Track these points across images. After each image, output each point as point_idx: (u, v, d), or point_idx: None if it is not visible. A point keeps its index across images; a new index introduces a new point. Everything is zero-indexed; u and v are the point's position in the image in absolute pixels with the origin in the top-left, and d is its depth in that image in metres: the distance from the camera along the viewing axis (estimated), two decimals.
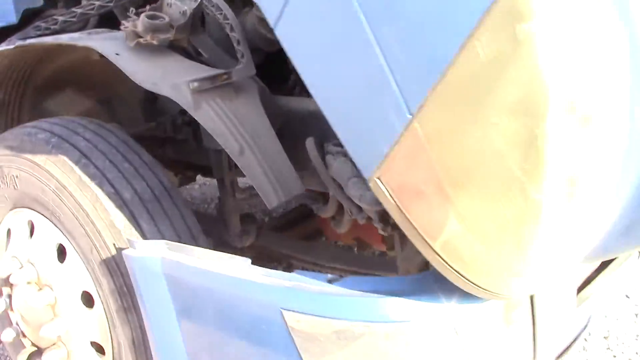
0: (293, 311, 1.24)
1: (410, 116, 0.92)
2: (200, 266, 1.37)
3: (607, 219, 1.16)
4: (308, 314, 1.23)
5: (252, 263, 2.06)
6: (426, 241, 1.03)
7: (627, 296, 2.44)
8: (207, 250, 1.41)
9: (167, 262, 1.41)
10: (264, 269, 1.31)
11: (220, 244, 2.25)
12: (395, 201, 1.01)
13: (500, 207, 0.93)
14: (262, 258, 2.33)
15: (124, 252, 1.46)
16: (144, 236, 1.54)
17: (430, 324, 1.18)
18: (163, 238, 1.55)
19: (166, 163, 2.74)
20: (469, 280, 1.06)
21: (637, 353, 2.13)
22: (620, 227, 1.22)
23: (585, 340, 2.20)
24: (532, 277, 1.07)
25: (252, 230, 2.20)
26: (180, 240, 1.58)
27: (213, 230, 2.34)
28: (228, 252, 2.22)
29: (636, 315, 2.33)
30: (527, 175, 0.89)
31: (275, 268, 2.22)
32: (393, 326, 1.19)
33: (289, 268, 2.47)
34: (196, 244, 1.61)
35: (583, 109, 0.88)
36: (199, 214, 2.59)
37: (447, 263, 1.04)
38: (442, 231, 1.00)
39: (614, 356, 2.12)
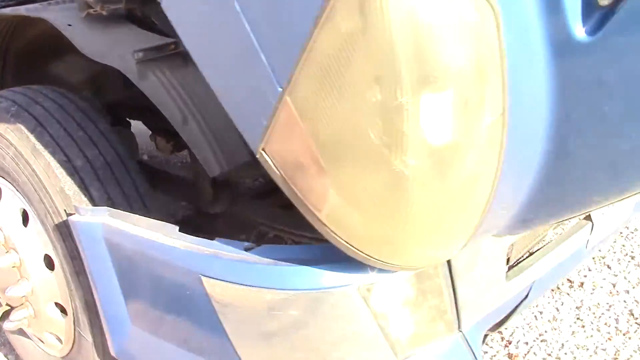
0: (211, 278, 1.28)
1: (281, 89, 0.94)
2: (134, 232, 1.42)
3: (510, 190, 1.16)
4: (224, 280, 1.27)
5: (227, 230, 2.11)
6: (312, 212, 1.05)
7: (608, 266, 2.41)
8: (143, 217, 1.45)
9: (107, 228, 1.46)
10: (190, 236, 1.34)
11: (197, 210, 2.31)
12: (280, 172, 1.03)
13: (370, 179, 0.95)
14: (239, 225, 2.38)
15: (69, 217, 1.52)
16: (94, 203, 1.59)
17: (337, 293, 1.21)
18: (113, 205, 1.61)
19: (156, 130, 2.80)
20: (358, 250, 1.08)
21: (606, 324, 2.11)
22: (535, 199, 1.21)
23: (557, 310, 2.19)
24: (419, 248, 1.09)
25: (225, 196, 2.24)
26: (130, 207, 1.64)
27: (191, 197, 2.40)
28: (204, 219, 2.27)
29: (614, 285, 2.30)
30: (389, 147, 0.90)
31: (250, 236, 2.27)
32: (301, 294, 1.21)
33: (264, 237, 2.51)
34: (148, 211, 1.66)
35: (441, 80, 0.88)
36: (179, 180, 2.64)
37: (334, 233, 1.06)
38: (325, 202, 1.02)
39: (583, 326, 2.11)
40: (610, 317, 2.14)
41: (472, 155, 0.98)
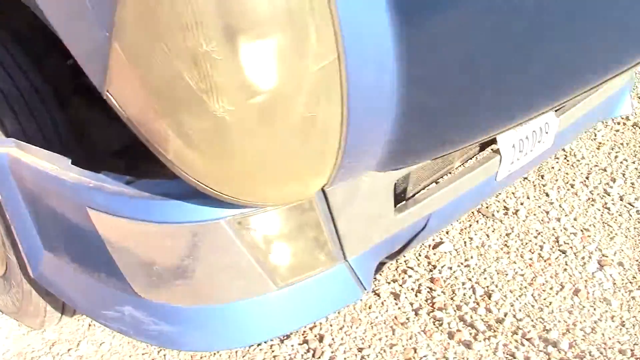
0: (96, 210, 1.34)
1: (108, 34, 0.96)
2: (34, 164, 1.47)
3: (370, 131, 1.19)
4: (107, 213, 1.32)
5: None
6: (160, 152, 1.08)
7: (547, 194, 2.45)
8: (44, 150, 1.49)
9: (13, 159, 1.52)
10: (79, 168, 1.39)
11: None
12: (125, 114, 1.06)
13: (198, 123, 0.98)
14: None
15: None
16: (8, 135, 1.64)
17: (208, 225, 1.26)
18: (27, 137, 1.65)
19: None
20: (209, 188, 1.12)
21: (530, 251, 2.17)
22: (401, 138, 1.24)
23: (488, 236, 2.25)
24: (265, 186, 1.13)
25: None
26: (45, 139, 1.68)
27: None
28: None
29: (547, 213, 2.34)
30: (207, 94, 0.93)
31: None
32: (174, 227, 1.27)
33: None
34: (62, 144, 1.71)
35: (252, 28, 0.89)
36: None
37: (184, 172, 1.10)
38: (168, 143, 1.05)
39: (508, 253, 2.17)
40: (536, 244, 2.20)
41: (303, 99, 1.00)
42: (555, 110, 1.95)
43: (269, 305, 1.40)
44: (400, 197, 1.59)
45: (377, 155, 1.28)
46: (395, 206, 1.54)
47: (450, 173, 1.72)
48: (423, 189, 1.63)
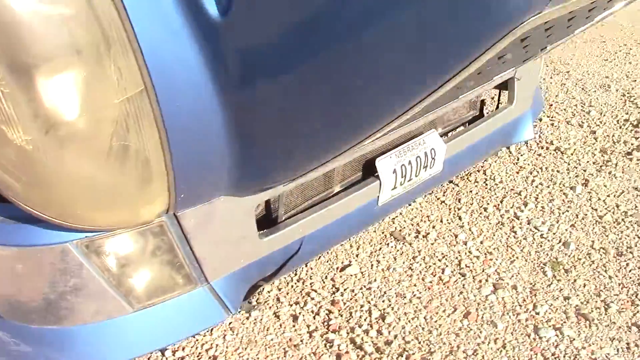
0: None
1: None
2: None
3: (202, 159, 1.23)
4: None
5: None
6: None
7: (459, 217, 2.50)
8: None
9: None
10: None
11: None
12: None
13: (6, 151, 1.03)
14: None
15: None
16: None
17: (55, 249, 1.30)
18: None
19: None
20: (35, 212, 1.16)
21: (432, 274, 2.21)
22: (244, 164, 1.29)
23: (395, 259, 2.29)
24: (89, 212, 1.17)
25: None
26: None
27: None
28: None
29: (456, 236, 2.39)
30: (5, 124, 0.98)
31: None
32: (22, 251, 1.32)
33: None
34: None
35: (41, 64, 0.94)
36: None
37: (10, 196, 1.14)
38: None
39: (410, 276, 2.21)
40: (438, 268, 2.24)
41: (109, 129, 1.05)
42: (443, 136, 2.01)
43: (127, 327, 1.44)
44: (271, 221, 1.64)
45: (222, 181, 1.32)
46: (263, 230, 1.59)
47: (327, 199, 1.76)
48: (295, 214, 1.67)
